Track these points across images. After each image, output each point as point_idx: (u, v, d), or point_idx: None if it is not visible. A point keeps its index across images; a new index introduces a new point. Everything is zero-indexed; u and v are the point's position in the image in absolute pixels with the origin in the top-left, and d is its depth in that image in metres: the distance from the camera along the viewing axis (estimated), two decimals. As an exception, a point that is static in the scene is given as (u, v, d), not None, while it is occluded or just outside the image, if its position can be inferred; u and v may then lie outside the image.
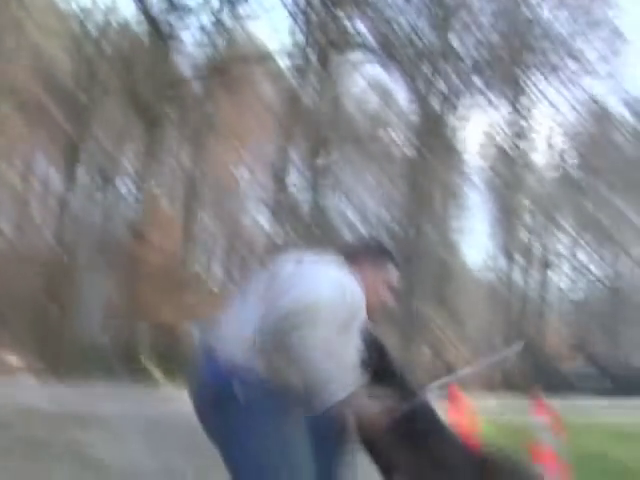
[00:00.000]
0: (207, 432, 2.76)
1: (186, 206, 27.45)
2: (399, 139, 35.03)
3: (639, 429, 11.09)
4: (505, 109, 35.39)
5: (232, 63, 27.58)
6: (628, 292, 44.57)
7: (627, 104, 36.93)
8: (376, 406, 2.69)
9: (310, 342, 2.46)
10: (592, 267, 43.46)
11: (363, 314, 2.74)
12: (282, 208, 28.03)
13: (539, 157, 38.01)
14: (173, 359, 23.16)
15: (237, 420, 2.57)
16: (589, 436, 9.01)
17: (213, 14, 27.13)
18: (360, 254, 3.04)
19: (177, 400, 12.81)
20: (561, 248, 41.06)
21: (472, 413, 6.14)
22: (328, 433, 2.89)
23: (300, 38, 29.06)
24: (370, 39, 30.39)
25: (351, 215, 40.49)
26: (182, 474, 4.25)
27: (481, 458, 3.07)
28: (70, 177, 24.49)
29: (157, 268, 24.16)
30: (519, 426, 7.69)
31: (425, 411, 3.12)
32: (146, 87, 24.67)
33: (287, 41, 31.25)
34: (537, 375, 32.99)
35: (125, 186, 28.20)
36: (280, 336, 2.50)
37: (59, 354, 20.48)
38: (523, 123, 35.03)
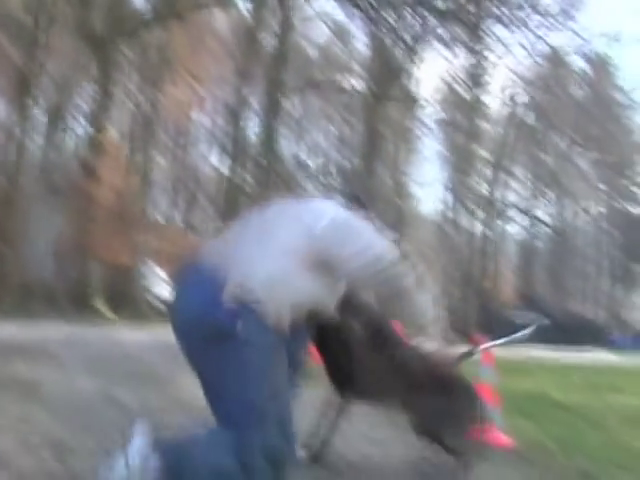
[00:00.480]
0: (194, 364, 2.79)
1: (140, 146, 27.11)
2: (357, 84, 34.82)
3: (574, 371, 11.35)
4: (464, 58, 35.32)
5: (189, 4, 27.02)
6: (575, 238, 45.78)
7: (585, 57, 37.04)
8: None
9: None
10: (542, 214, 44.27)
11: None
12: (237, 149, 27.78)
13: (495, 106, 37.95)
14: (122, 297, 23.08)
15: (236, 354, 2.62)
16: (527, 376, 9.29)
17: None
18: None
19: (123, 335, 12.79)
20: (513, 196, 41.57)
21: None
22: (295, 359, 2.99)
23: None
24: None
25: (306, 157, 40.55)
26: (124, 402, 4.26)
27: (440, 371, 3.17)
28: (20, 111, 23.90)
29: (109, 207, 23.90)
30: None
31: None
32: (102, 24, 24.11)
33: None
34: (486, 321, 33.52)
35: (78, 123, 27.77)
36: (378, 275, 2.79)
37: (5, 289, 20.23)
38: (481, 72, 34.99)
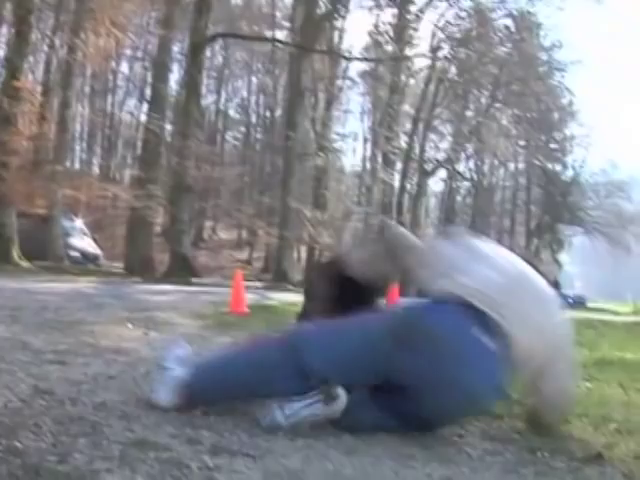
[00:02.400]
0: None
1: (58, 93, 26.62)
2: (281, 36, 34.70)
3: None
4: (389, 12, 35.44)
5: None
6: (493, 193, 46.80)
7: (509, 14, 37.38)
8: None
9: None
10: (462, 168, 44.93)
11: None
12: (157, 98, 27.52)
13: (418, 61, 38.15)
14: (39, 247, 22.87)
15: None
16: None
17: None
18: None
19: (39, 285, 12.79)
20: (434, 150, 42.00)
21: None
22: None
23: None
24: None
25: (227, 107, 40.40)
26: (36, 347, 4.45)
27: None
28: None
29: (25, 154, 23.53)
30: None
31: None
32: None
33: None
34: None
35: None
36: None
37: None
38: (405, 27, 35.09)
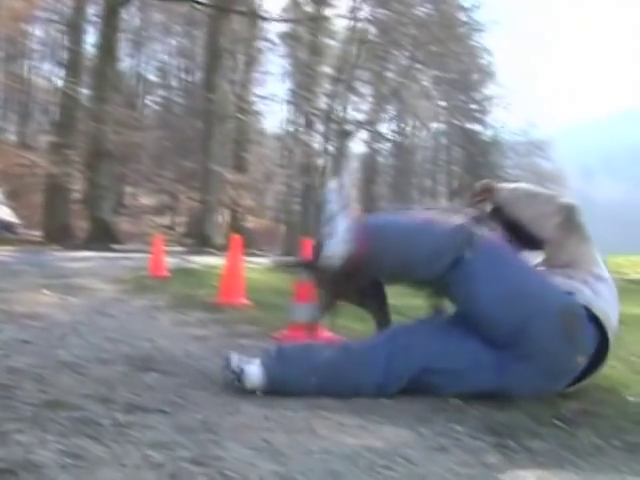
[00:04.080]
0: None
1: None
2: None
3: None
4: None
5: None
6: (415, 154, 47.30)
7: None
8: None
9: None
10: (383, 130, 45.19)
11: None
12: (73, 61, 26.89)
13: (338, 22, 37.97)
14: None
15: None
16: None
17: None
18: None
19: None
20: (355, 112, 42.04)
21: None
22: None
23: None
24: None
25: (145, 70, 39.75)
26: None
27: None
28: None
29: None
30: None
31: None
32: None
33: None
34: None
35: None
36: None
37: None
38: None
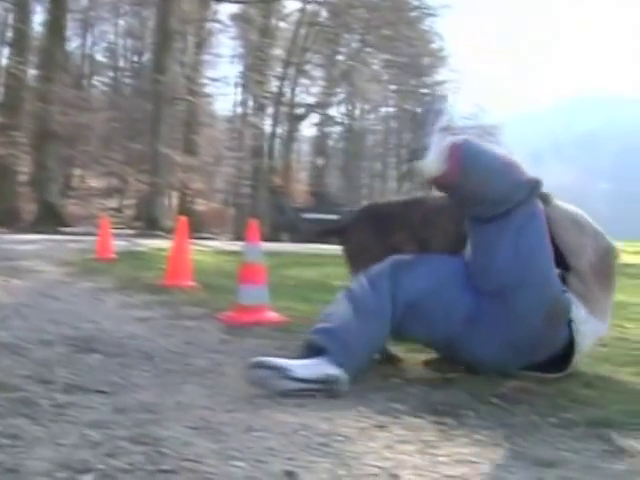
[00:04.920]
0: None
1: None
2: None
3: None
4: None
5: None
6: (365, 137, 47.41)
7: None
8: None
9: None
10: (334, 113, 45.18)
11: None
12: (19, 41, 26.41)
13: (289, 4, 37.85)
14: None
15: None
16: (314, 268, 9.84)
17: None
18: None
19: None
20: (306, 95, 41.99)
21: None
22: None
23: None
24: None
25: (97, 53, 39.23)
26: None
27: None
28: None
29: None
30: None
31: None
32: None
33: None
34: (278, 219, 34.08)
35: None
36: None
37: None
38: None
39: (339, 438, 2.07)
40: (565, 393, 2.72)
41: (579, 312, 2.98)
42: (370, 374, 2.89)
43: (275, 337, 3.85)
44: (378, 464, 1.86)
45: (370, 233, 3.35)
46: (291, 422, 2.20)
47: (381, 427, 2.23)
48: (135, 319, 4.35)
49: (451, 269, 2.99)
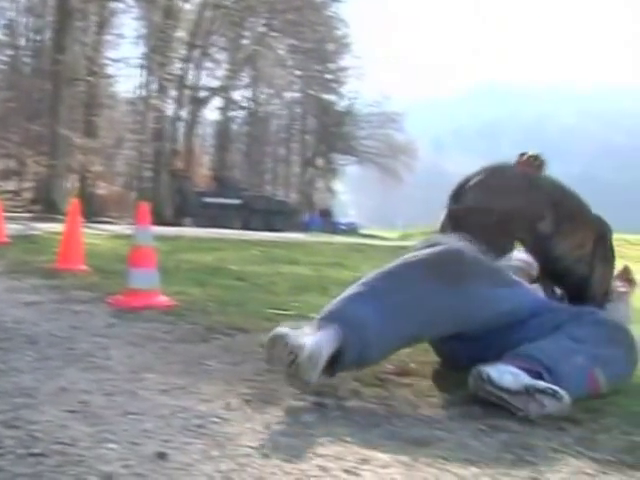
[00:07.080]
0: None
1: None
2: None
3: (257, 246, 12.01)
4: None
5: None
6: (269, 122, 47.43)
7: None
8: None
9: None
10: (237, 97, 45.03)
11: None
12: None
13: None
14: None
15: None
16: (210, 252, 9.79)
17: None
18: None
19: None
20: (209, 78, 41.72)
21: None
22: None
23: None
24: None
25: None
26: None
27: None
28: None
29: None
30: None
31: None
32: None
33: None
34: (180, 203, 33.85)
35: None
36: None
37: None
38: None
39: (216, 420, 2.09)
40: (447, 376, 2.80)
41: None
42: (255, 357, 2.91)
43: (163, 321, 3.84)
44: (252, 444, 1.88)
45: None
46: (170, 405, 2.21)
47: (262, 410, 2.25)
48: (22, 303, 4.27)
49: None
